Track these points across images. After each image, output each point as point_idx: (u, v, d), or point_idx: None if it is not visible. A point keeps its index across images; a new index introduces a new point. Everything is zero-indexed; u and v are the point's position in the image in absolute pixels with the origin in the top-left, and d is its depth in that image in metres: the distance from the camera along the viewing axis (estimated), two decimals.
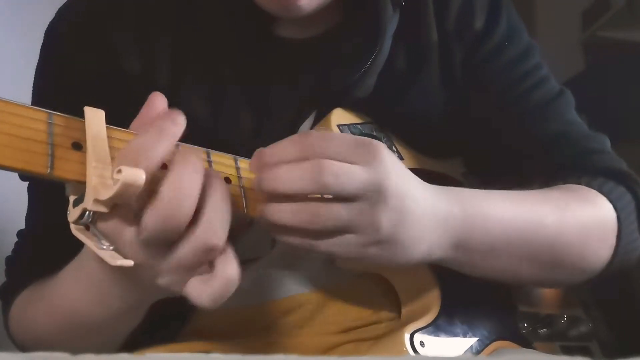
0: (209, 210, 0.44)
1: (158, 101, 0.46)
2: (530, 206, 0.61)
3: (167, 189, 0.42)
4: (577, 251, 0.64)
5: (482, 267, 0.60)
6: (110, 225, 0.43)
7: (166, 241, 0.44)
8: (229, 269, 0.45)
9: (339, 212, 0.48)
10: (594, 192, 0.66)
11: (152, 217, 0.42)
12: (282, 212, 0.48)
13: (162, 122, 0.44)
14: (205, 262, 0.45)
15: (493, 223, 0.58)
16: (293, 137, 0.49)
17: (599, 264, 0.66)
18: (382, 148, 0.49)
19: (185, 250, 0.44)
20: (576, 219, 0.63)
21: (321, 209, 0.47)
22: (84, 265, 0.52)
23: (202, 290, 0.45)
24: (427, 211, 0.52)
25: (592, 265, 0.66)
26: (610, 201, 0.66)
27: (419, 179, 0.53)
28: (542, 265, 0.63)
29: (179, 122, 0.44)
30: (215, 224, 0.44)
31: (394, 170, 0.50)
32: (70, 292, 0.55)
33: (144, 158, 0.41)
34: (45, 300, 0.59)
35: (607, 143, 0.72)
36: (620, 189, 0.68)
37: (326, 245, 0.49)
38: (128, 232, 0.43)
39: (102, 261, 0.44)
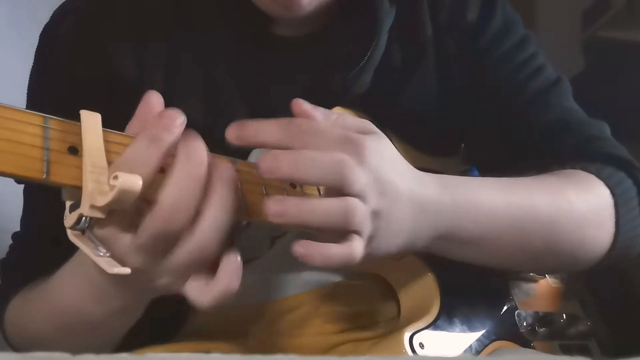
0: (208, 214, 0.44)
1: (154, 100, 0.45)
2: (522, 193, 0.60)
3: (165, 197, 0.42)
4: (573, 236, 0.62)
5: (472, 254, 0.59)
6: (107, 231, 0.43)
7: (163, 247, 0.44)
8: (232, 279, 0.45)
9: (362, 206, 0.46)
10: (591, 177, 0.65)
11: (150, 224, 0.42)
12: (317, 210, 0.45)
13: (157, 127, 0.43)
14: (201, 265, 0.46)
15: (484, 211, 0.57)
16: (280, 121, 0.47)
17: (599, 250, 0.65)
18: (367, 143, 0.48)
19: (181, 255, 0.44)
20: (570, 204, 0.62)
21: (353, 202, 0.46)
22: (81, 265, 0.52)
23: (201, 293, 0.46)
24: (411, 200, 0.51)
25: (591, 251, 0.65)
26: (608, 186, 0.65)
27: (409, 168, 0.52)
28: (536, 251, 0.61)
29: (175, 124, 0.44)
30: (213, 229, 0.44)
31: (383, 162, 0.49)
32: (68, 291, 0.54)
33: (140, 165, 0.41)
34: (42, 301, 0.59)
35: (607, 129, 0.71)
36: (620, 174, 0.67)
37: (356, 246, 0.47)
38: (124, 238, 0.43)
39: (98, 268, 0.45)
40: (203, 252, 0.44)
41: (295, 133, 0.46)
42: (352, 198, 0.46)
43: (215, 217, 0.44)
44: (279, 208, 0.45)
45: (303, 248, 0.46)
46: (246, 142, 0.47)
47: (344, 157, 0.45)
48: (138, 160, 0.41)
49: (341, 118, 0.50)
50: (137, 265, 0.44)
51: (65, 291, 0.55)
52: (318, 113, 0.49)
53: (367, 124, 0.51)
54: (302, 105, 0.49)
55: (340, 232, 0.47)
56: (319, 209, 0.45)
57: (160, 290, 0.48)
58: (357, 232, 0.47)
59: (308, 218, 0.45)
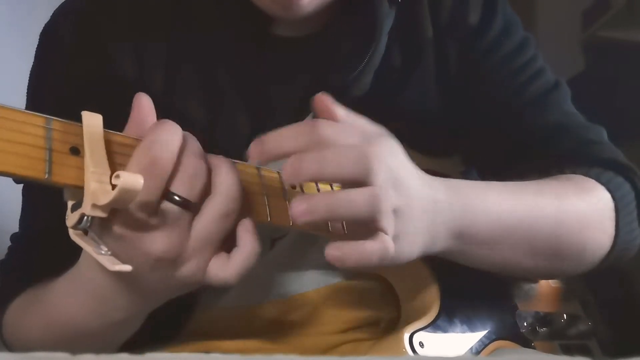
0: (220, 181, 0.46)
1: (144, 101, 0.46)
2: (528, 196, 0.61)
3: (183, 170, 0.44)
4: (577, 240, 0.63)
5: (483, 258, 0.59)
6: (116, 230, 0.43)
7: (187, 219, 0.45)
8: (253, 241, 0.47)
9: (386, 196, 0.46)
10: (592, 181, 0.66)
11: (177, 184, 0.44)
12: (343, 201, 0.45)
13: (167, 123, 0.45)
14: (225, 231, 0.47)
15: (493, 214, 0.57)
16: (299, 127, 0.47)
17: (599, 253, 0.66)
18: (384, 142, 0.48)
19: (207, 219, 0.45)
20: (574, 207, 0.63)
21: (377, 189, 0.45)
22: (82, 276, 0.51)
23: (225, 268, 0.47)
24: (424, 200, 0.51)
25: (592, 255, 0.66)
26: (609, 190, 0.65)
27: (418, 171, 0.53)
28: (543, 255, 0.62)
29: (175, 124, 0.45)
30: (228, 190, 0.46)
31: (397, 162, 0.49)
32: (67, 303, 0.54)
33: (165, 149, 0.43)
34: (41, 311, 0.58)
35: (604, 134, 0.72)
36: (619, 178, 0.67)
37: (387, 240, 0.47)
38: (134, 236, 0.44)
39: (106, 273, 0.45)
40: (228, 211, 0.46)
41: (318, 135, 0.46)
42: (376, 186, 0.46)
43: (228, 180, 0.46)
44: (306, 206, 0.44)
45: (337, 250, 0.46)
46: (270, 155, 0.47)
47: (369, 149, 0.46)
48: (164, 139, 0.43)
49: (359, 118, 0.51)
50: (165, 246, 0.45)
51: (64, 304, 0.54)
52: (340, 109, 0.49)
53: (380, 128, 0.51)
54: (324, 100, 0.49)
55: (366, 232, 0.47)
56: (345, 199, 0.45)
57: (182, 284, 0.48)
58: (383, 230, 0.47)
59: (336, 211, 0.45)
